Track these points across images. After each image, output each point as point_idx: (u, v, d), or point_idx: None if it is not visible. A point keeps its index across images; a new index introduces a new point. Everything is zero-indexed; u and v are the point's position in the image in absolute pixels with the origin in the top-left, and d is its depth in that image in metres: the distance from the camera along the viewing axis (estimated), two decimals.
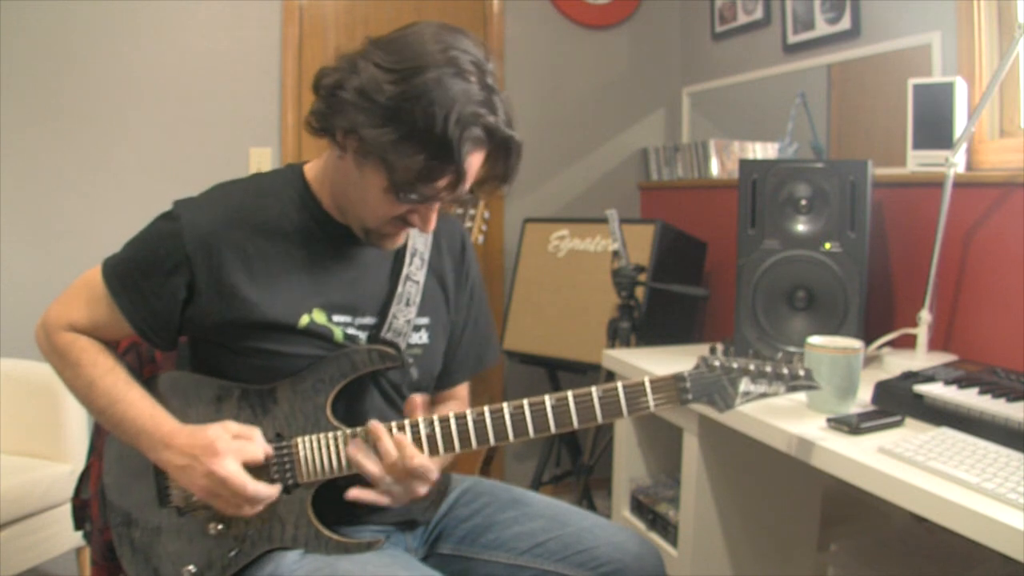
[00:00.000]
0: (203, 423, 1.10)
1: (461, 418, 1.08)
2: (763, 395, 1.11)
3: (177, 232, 1.06)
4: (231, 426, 1.06)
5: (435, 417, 1.08)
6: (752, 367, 1.10)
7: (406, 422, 1.08)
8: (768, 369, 1.10)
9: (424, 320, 1.20)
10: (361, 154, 1.00)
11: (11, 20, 2.38)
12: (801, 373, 1.11)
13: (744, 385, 1.09)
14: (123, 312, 1.09)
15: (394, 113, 0.95)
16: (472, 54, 0.98)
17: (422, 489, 1.08)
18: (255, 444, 1.06)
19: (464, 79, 0.97)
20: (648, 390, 1.08)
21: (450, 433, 1.08)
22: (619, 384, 1.08)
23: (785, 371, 1.10)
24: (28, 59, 2.42)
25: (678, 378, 1.09)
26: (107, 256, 1.13)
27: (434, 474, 1.07)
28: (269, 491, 1.05)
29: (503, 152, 1.03)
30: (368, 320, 1.15)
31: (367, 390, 1.14)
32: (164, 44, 2.56)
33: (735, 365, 1.10)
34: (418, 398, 1.10)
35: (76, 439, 2.15)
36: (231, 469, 1.01)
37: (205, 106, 2.62)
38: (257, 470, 1.05)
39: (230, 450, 1.02)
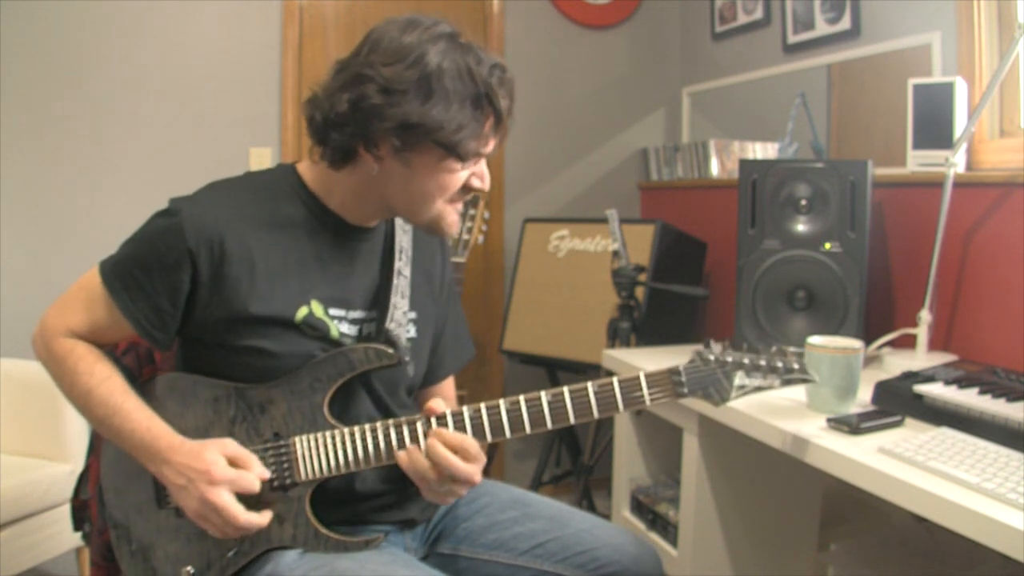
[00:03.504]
0: (200, 425, 1.10)
1: (458, 415, 1.09)
2: (758, 388, 1.11)
3: (177, 227, 1.05)
4: (229, 448, 1.05)
5: (431, 417, 1.09)
6: (747, 360, 1.10)
7: (402, 420, 1.09)
8: (763, 362, 1.11)
9: (413, 314, 1.21)
10: (406, 148, 1.03)
11: (11, 20, 2.38)
12: (795, 366, 1.11)
13: (739, 379, 1.10)
14: (123, 311, 1.08)
15: (428, 90, 1.01)
16: (441, 25, 1.05)
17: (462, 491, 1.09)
18: (251, 473, 1.04)
19: (455, 45, 1.04)
20: (644, 384, 1.09)
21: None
22: (615, 379, 1.09)
23: (780, 364, 1.11)
24: (28, 60, 2.42)
25: (673, 372, 1.10)
26: (104, 257, 1.12)
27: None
28: (260, 521, 1.04)
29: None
30: (359, 314, 1.15)
31: (359, 390, 1.14)
32: (164, 44, 2.56)
33: (730, 359, 1.10)
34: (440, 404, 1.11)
35: (76, 439, 2.15)
36: (225, 500, 1.01)
37: (205, 106, 2.62)
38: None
39: (226, 479, 1.02)
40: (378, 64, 1.01)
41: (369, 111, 1.01)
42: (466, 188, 1.11)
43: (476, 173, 1.10)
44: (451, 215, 1.12)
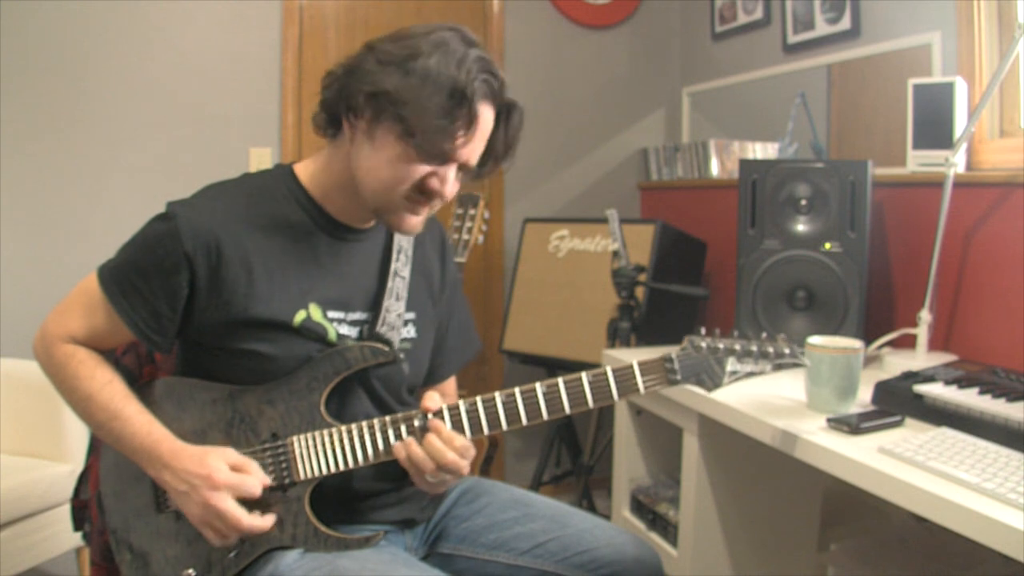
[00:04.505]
0: (198, 427, 1.10)
1: (454, 409, 1.09)
2: (750, 374, 1.12)
3: (174, 232, 1.05)
4: (230, 455, 1.06)
5: (427, 413, 1.09)
6: (738, 347, 1.11)
7: (399, 416, 1.09)
8: (754, 348, 1.11)
9: (411, 315, 1.21)
10: (376, 118, 1.03)
11: (11, 20, 2.38)
12: (786, 351, 1.12)
13: (731, 364, 1.11)
14: (122, 317, 1.08)
15: (411, 66, 1.01)
16: (462, 29, 1.06)
17: (452, 480, 1.11)
18: (252, 478, 1.05)
19: (460, 45, 1.03)
20: (637, 372, 1.09)
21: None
22: (608, 368, 1.10)
23: (770, 350, 1.12)
24: (28, 60, 2.42)
25: (666, 359, 1.11)
26: (102, 263, 1.12)
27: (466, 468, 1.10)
28: (263, 524, 1.05)
29: (508, 116, 1.10)
30: (358, 316, 1.15)
31: (357, 388, 1.15)
32: (164, 44, 2.56)
33: (721, 345, 1.11)
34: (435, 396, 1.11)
35: (76, 439, 2.15)
36: (228, 505, 1.02)
37: (205, 106, 2.62)
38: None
39: (228, 484, 1.02)
40: (385, 40, 1.04)
41: (359, 74, 1.03)
42: (424, 189, 1.07)
43: (438, 174, 1.07)
44: (406, 214, 1.09)
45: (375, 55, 1.03)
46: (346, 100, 1.05)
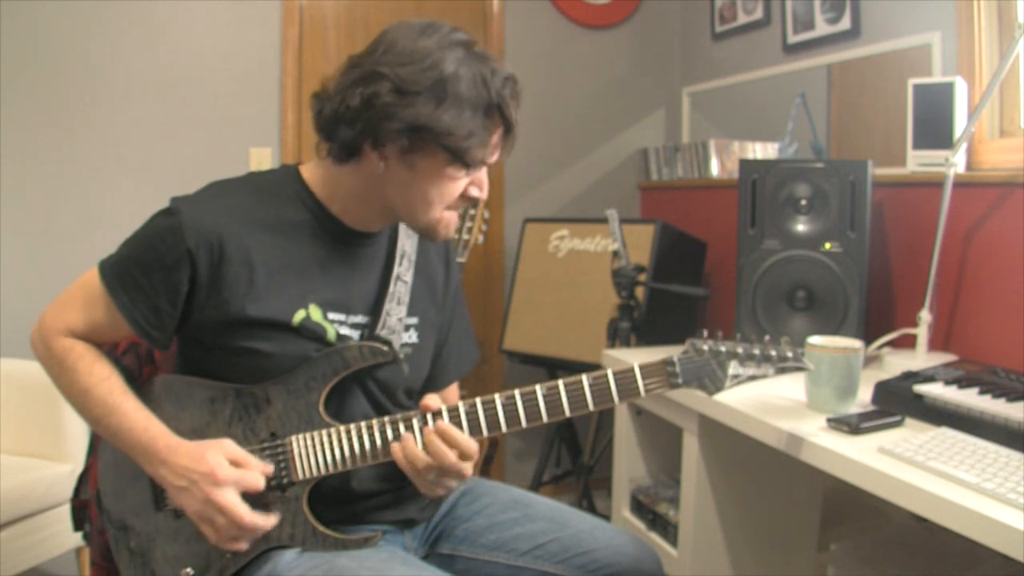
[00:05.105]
0: (197, 426, 1.10)
1: (453, 410, 1.09)
2: (752, 377, 1.11)
3: (177, 227, 1.05)
4: (229, 449, 1.05)
5: (426, 413, 1.09)
6: (740, 350, 1.10)
7: (398, 417, 1.09)
8: (756, 352, 1.11)
9: (413, 320, 1.21)
10: (413, 150, 1.03)
11: (11, 20, 2.38)
12: (789, 355, 1.11)
13: (733, 368, 1.10)
14: (122, 311, 1.08)
15: (441, 94, 1.01)
16: (458, 33, 1.06)
17: (453, 483, 1.10)
18: (254, 472, 1.05)
19: (471, 54, 1.04)
20: (638, 375, 1.09)
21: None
22: (609, 371, 1.09)
23: (773, 353, 1.11)
24: (27, 59, 2.42)
25: (667, 363, 1.10)
26: (103, 257, 1.12)
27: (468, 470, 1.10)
28: (266, 522, 1.05)
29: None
30: (359, 319, 1.15)
31: (356, 391, 1.14)
32: (164, 44, 2.56)
33: (723, 349, 1.10)
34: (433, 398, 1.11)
35: (76, 439, 2.15)
36: (231, 500, 1.02)
37: (205, 106, 2.62)
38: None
39: (230, 479, 1.02)
40: (394, 64, 1.01)
41: (380, 109, 1.01)
42: (465, 196, 1.11)
43: (475, 181, 1.10)
44: (448, 220, 1.12)
45: (390, 83, 1.00)
46: (373, 135, 1.03)
